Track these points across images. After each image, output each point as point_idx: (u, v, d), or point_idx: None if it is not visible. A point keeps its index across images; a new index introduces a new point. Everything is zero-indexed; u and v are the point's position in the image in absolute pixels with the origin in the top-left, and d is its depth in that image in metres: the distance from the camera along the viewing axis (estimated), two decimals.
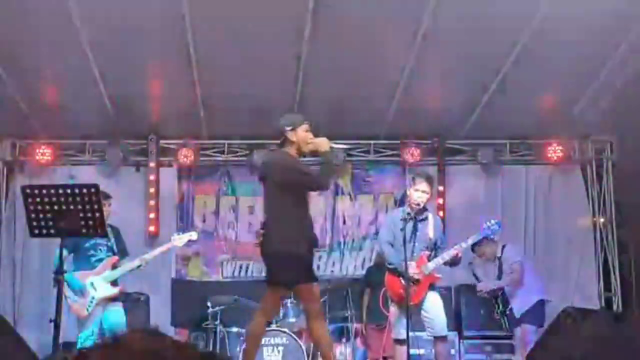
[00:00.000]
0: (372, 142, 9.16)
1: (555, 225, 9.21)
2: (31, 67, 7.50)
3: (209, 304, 7.75)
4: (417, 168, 8.80)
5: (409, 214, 6.23)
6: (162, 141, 9.02)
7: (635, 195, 8.65)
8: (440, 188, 8.95)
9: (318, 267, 8.65)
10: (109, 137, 8.83)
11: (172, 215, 9.17)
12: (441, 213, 8.62)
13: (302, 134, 5.50)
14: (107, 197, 6.49)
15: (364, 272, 8.88)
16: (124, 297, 6.76)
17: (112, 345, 1.25)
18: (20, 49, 7.16)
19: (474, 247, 7.18)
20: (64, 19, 6.61)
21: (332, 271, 9.23)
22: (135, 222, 8.72)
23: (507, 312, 7.56)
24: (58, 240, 4.89)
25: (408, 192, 6.44)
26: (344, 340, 8.05)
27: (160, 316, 8.36)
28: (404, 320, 6.00)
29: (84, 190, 4.69)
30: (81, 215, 4.66)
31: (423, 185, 6.32)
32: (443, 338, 6.39)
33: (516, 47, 7.15)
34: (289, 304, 7.51)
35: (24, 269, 8.75)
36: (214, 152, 9.22)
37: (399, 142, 9.09)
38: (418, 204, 6.30)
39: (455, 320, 8.30)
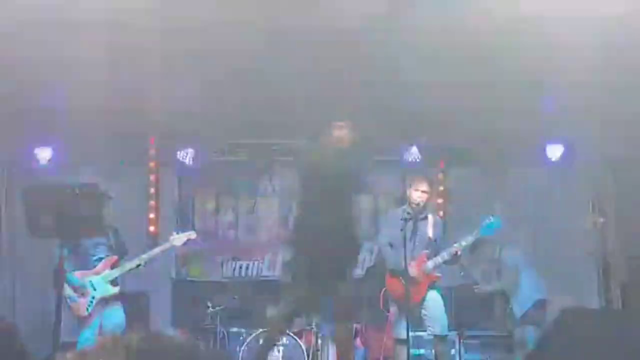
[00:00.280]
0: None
1: (555, 225, 9.21)
2: (31, 67, 7.49)
3: (209, 304, 7.75)
4: (417, 168, 8.82)
5: (409, 213, 6.24)
6: (162, 141, 9.02)
7: (635, 194, 8.65)
8: (440, 188, 8.95)
9: None
10: (109, 137, 8.83)
11: (172, 215, 9.17)
12: (441, 213, 8.62)
13: None
14: (108, 197, 6.51)
15: (364, 272, 8.89)
16: (124, 297, 6.76)
17: (111, 345, 1.25)
18: (20, 49, 7.16)
19: (473, 249, 7.20)
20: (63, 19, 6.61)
21: None
22: (135, 222, 8.72)
23: (507, 312, 7.57)
24: (58, 240, 4.89)
25: (408, 192, 6.45)
26: None
27: (160, 316, 8.37)
28: (404, 320, 6.00)
29: (84, 190, 4.69)
30: (81, 215, 4.67)
31: (423, 186, 6.33)
32: (443, 338, 6.39)
33: (516, 47, 7.15)
34: None
35: (24, 269, 8.75)
36: (214, 152, 9.23)
37: (398, 142, 9.08)
38: (418, 204, 6.30)
39: (455, 320, 8.30)
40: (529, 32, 6.19)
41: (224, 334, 7.73)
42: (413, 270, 6.19)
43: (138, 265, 6.67)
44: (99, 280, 6.45)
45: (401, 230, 6.06)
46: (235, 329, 7.77)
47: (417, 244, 6.27)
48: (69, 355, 1.29)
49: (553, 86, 7.60)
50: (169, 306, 8.78)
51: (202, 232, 8.87)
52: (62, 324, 4.86)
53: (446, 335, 6.50)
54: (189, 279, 9.13)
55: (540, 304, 7.42)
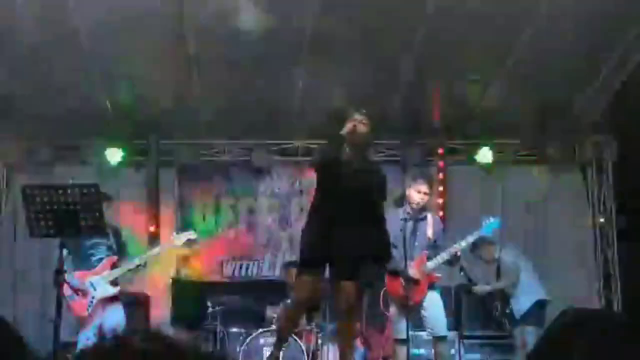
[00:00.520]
0: None
1: (555, 225, 9.21)
2: (30, 66, 7.50)
3: (209, 304, 7.74)
4: (417, 168, 8.81)
5: (409, 213, 6.24)
6: (162, 141, 9.02)
7: (635, 194, 8.65)
8: (440, 188, 8.95)
9: None
10: (109, 137, 8.83)
11: (172, 215, 9.17)
12: (441, 213, 8.62)
13: None
14: (108, 198, 6.51)
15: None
16: (124, 297, 6.75)
17: (112, 345, 1.25)
18: (19, 49, 7.16)
19: (472, 249, 7.19)
20: (63, 19, 6.62)
21: None
22: (135, 222, 8.72)
23: (507, 313, 7.56)
24: (58, 240, 4.88)
25: (408, 193, 6.44)
26: None
27: (160, 316, 8.36)
28: (404, 320, 6.00)
29: (84, 190, 4.69)
30: (81, 215, 4.66)
31: (423, 186, 6.32)
32: (443, 338, 6.39)
33: (516, 47, 7.16)
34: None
35: (24, 269, 8.75)
36: (214, 152, 9.23)
37: (399, 142, 9.08)
38: (418, 204, 6.30)
39: (455, 320, 8.30)
40: None
41: (224, 334, 7.73)
42: (413, 271, 6.19)
43: (138, 266, 6.66)
44: (99, 281, 6.44)
45: (401, 230, 6.06)
46: (235, 329, 7.76)
47: (416, 244, 6.26)
48: (69, 355, 1.29)
49: None
50: (169, 306, 8.77)
51: (203, 232, 8.87)
52: (62, 324, 4.85)
53: (446, 336, 6.50)
54: (189, 279, 9.13)
55: (540, 304, 7.41)
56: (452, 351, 7.95)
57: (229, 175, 9.35)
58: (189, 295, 8.73)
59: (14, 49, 7.14)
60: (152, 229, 8.89)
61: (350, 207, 5.09)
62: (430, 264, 6.33)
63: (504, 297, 7.55)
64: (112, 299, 6.52)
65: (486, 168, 9.22)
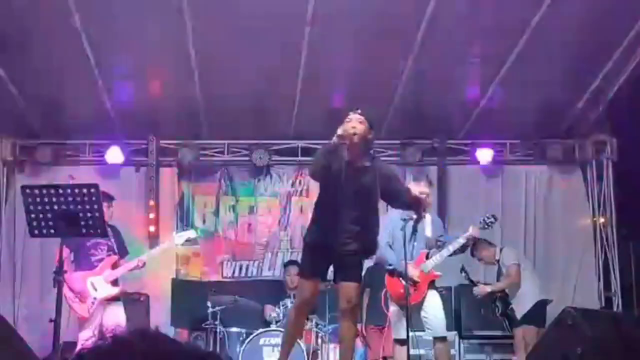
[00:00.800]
0: None
1: (555, 225, 9.21)
2: (31, 67, 7.50)
3: (209, 304, 7.74)
4: (417, 168, 8.82)
5: (408, 213, 6.23)
6: (162, 141, 9.02)
7: (635, 195, 8.64)
8: (440, 188, 8.94)
9: None
10: (109, 137, 8.83)
11: (172, 215, 9.17)
12: (441, 213, 8.61)
13: None
14: (110, 198, 6.51)
15: (363, 272, 8.86)
16: (124, 297, 6.75)
17: (112, 345, 1.25)
18: (20, 49, 7.16)
19: (472, 251, 7.19)
20: (63, 19, 6.62)
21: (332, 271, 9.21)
22: (135, 222, 8.72)
23: (508, 313, 7.56)
24: (58, 240, 4.88)
25: None
26: None
27: (160, 316, 8.36)
28: (404, 320, 6.00)
29: (84, 190, 4.68)
30: (81, 215, 4.66)
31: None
32: (443, 338, 6.39)
33: (516, 47, 7.16)
34: (289, 304, 7.51)
35: (24, 269, 8.75)
36: (214, 152, 9.23)
37: (399, 142, 9.08)
38: None
39: (455, 320, 8.30)
40: None
41: (224, 334, 7.73)
42: (413, 270, 6.18)
43: (138, 266, 6.66)
44: (100, 281, 6.45)
45: (401, 230, 6.06)
46: (235, 329, 7.76)
47: (416, 243, 6.26)
48: (69, 355, 1.29)
49: None
50: (168, 306, 8.77)
51: (202, 232, 8.87)
52: (62, 324, 4.84)
53: (446, 336, 6.50)
54: (189, 279, 9.12)
55: (541, 304, 7.41)
56: (452, 351, 7.95)
57: (229, 175, 9.34)
58: (189, 295, 8.73)
59: (13, 48, 7.14)
60: (152, 229, 8.88)
61: (351, 208, 5.10)
62: (429, 262, 6.34)
63: (504, 297, 7.55)
64: (112, 299, 6.52)
65: (486, 168, 9.22)
